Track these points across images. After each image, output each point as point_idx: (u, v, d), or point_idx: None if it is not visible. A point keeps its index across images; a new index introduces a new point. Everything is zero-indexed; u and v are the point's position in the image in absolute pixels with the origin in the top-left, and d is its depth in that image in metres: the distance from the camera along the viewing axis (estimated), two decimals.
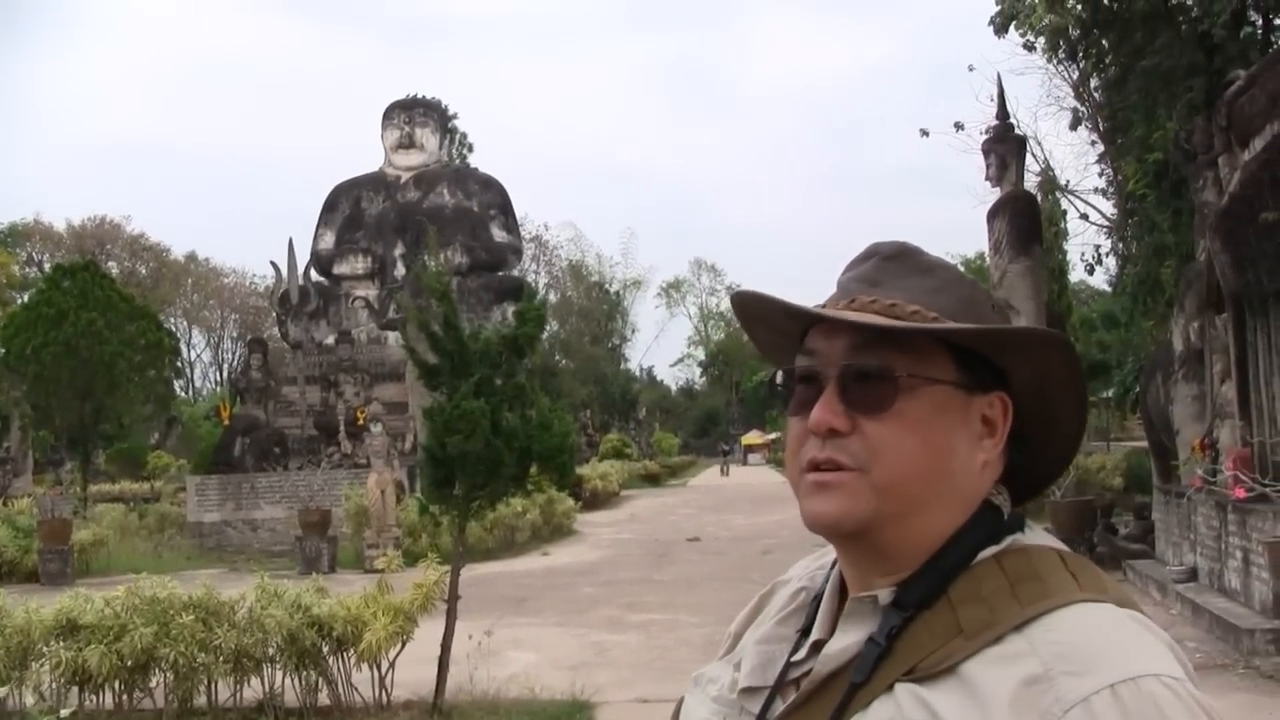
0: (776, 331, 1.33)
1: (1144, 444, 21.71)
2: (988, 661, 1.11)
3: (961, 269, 1.36)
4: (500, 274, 38.45)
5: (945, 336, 1.23)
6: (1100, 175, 29.46)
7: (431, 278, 9.69)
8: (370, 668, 8.69)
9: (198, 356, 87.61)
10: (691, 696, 1.39)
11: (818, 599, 1.33)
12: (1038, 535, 1.25)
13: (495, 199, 39.90)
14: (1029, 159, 24.59)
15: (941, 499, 1.22)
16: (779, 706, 1.27)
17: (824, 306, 1.29)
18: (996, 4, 21.97)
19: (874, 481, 1.21)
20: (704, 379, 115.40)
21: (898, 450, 1.21)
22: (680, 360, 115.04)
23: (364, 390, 31.36)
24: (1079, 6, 19.97)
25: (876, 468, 1.21)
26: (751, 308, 1.34)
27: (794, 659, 1.29)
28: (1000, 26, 22.11)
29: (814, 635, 1.29)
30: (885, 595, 1.21)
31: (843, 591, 1.30)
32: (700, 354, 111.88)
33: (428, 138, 40.21)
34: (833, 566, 1.36)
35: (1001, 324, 1.27)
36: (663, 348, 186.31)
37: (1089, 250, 30.96)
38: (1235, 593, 12.46)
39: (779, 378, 1.31)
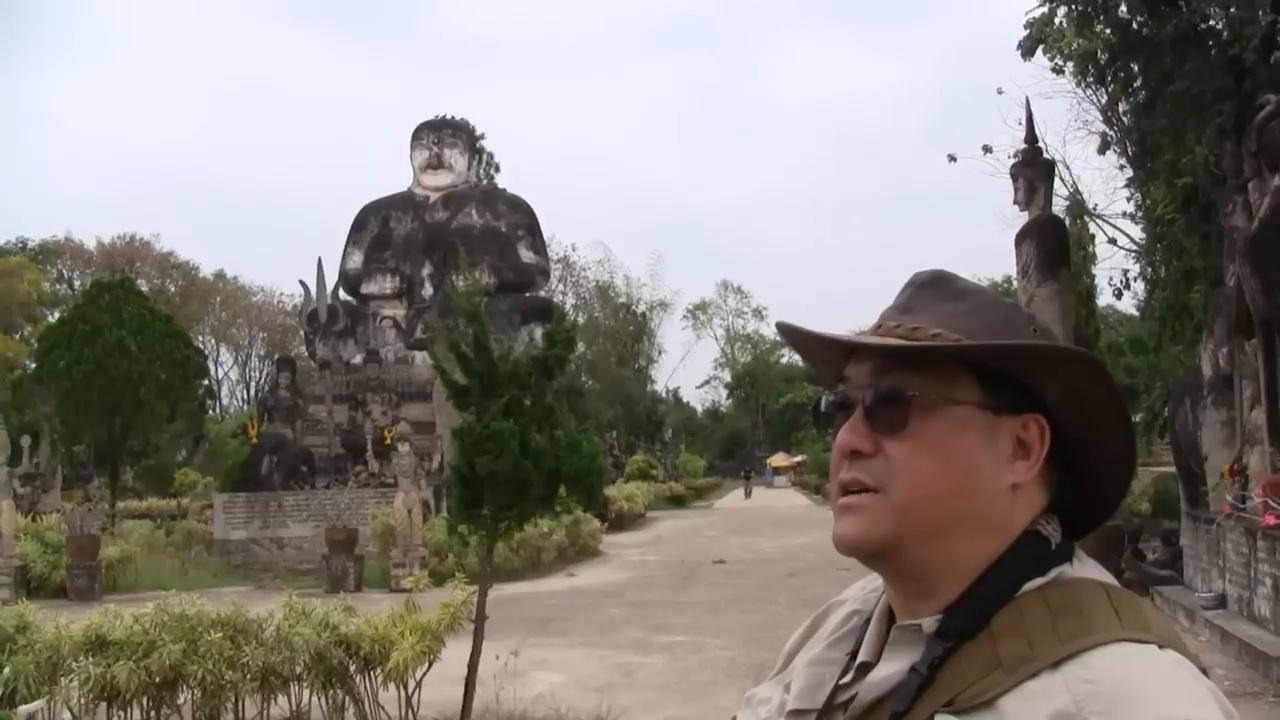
0: (826, 360, 1.35)
1: (1172, 469, 21.61)
2: (1023, 697, 1.10)
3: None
4: (528, 295, 38.56)
5: (955, 354, 1.23)
6: (1129, 200, 29.38)
7: (462, 298, 9.74)
8: (397, 687, 8.69)
9: (225, 374, 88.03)
10: (743, 716, 1.40)
11: (869, 621, 1.34)
12: (1087, 567, 1.24)
13: (523, 220, 40.03)
14: (1057, 183, 24.53)
15: (967, 522, 1.22)
16: None
17: (860, 334, 1.32)
18: (1025, 28, 21.96)
19: (893, 502, 1.22)
20: (730, 401, 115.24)
21: (915, 470, 1.22)
22: (706, 382, 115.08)
23: (391, 410, 31.46)
24: (1108, 31, 19.93)
25: (895, 488, 1.22)
26: (796, 338, 1.36)
27: (841, 682, 1.29)
28: (1028, 50, 22.09)
29: (860, 658, 1.30)
30: (929, 624, 1.21)
31: (891, 617, 1.30)
32: (726, 376, 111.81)
33: (456, 158, 40.37)
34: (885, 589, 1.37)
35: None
36: (689, 369, 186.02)
37: (1117, 274, 30.89)
38: (1265, 620, 12.37)
39: (821, 404, 1.33)
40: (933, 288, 1.31)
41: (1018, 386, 1.24)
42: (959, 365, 1.24)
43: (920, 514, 1.22)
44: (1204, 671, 1.15)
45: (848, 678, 1.29)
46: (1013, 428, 1.24)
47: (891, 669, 1.23)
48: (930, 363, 1.24)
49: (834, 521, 1.27)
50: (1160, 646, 1.12)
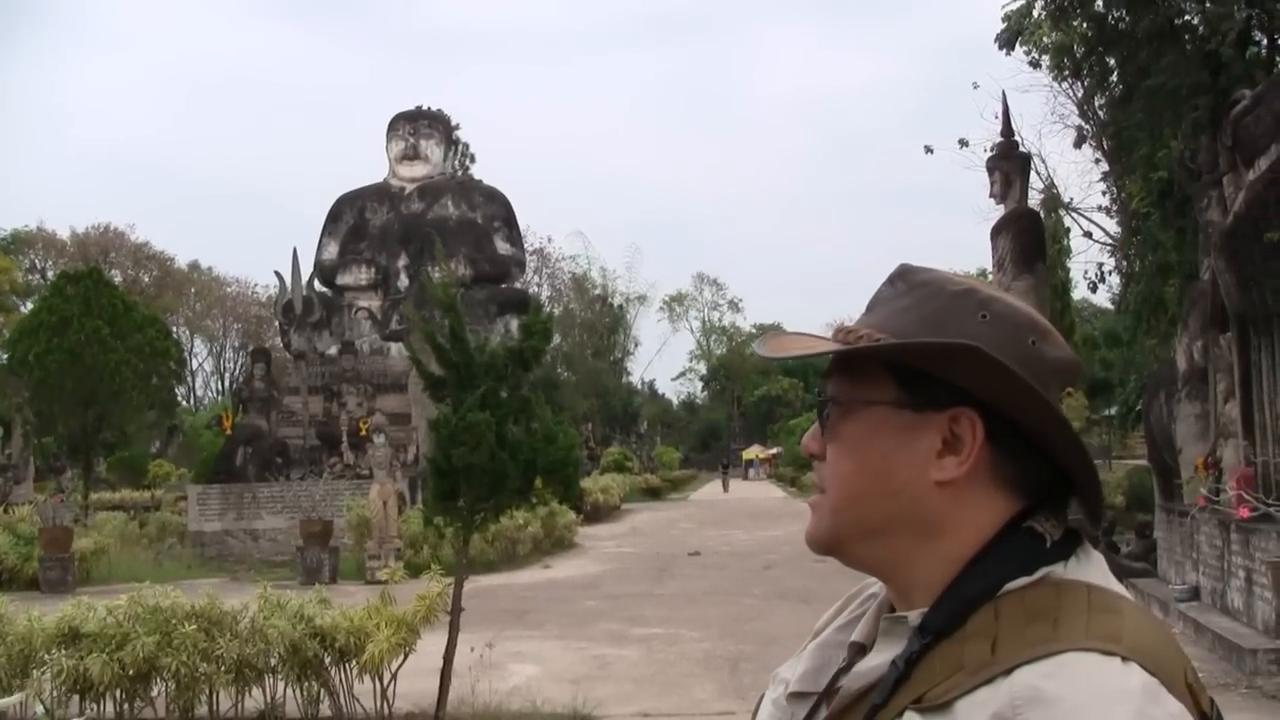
0: None
1: (1146, 462, 21.71)
2: (974, 701, 1.09)
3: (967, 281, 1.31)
4: (504, 286, 38.50)
5: (852, 355, 1.23)
6: (1104, 193, 29.43)
7: (438, 289, 9.69)
8: (372, 679, 8.67)
9: (200, 366, 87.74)
10: (767, 695, 1.39)
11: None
12: (1084, 566, 1.20)
13: (499, 211, 39.96)
14: (1033, 176, 24.62)
15: (895, 521, 1.22)
16: (823, 713, 1.27)
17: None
18: (1003, 20, 22.01)
19: (830, 502, 1.26)
20: (705, 393, 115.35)
21: (839, 471, 1.25)
22: (682, 374, 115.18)
23: (367, 401, 31.39)
24: (1084, 25, 19.97)
25: (830, 489, 1.26)
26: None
27: (842, 666, 1.29)
28: (1006, 42, 22.13)
29: (854, 637, 1.30)
30: (914, 618, 1.20)
31: (892, 606, 1.29)
32: (702, 368, 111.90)
33: (432, 149, 40.28)
34: None
35: (982, 337, 1.20)
36: (665, 361, 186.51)
37: (1092, 268, 31.09)
38: (1238, 612, 12.44)
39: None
40: (894, 283, 1.30)
41: (944, 381, 1.21)
42: (880, 366, 1.23)
43: (848, 514, 1.25)
44: (1190, 688, 1.12)
45: (847, 661, 1.29)
46: (940, 424, 1.22)
47: (879, 659, 1.22)
48: (855, 366, 1.25)
49: None
50: (1124, 659, 1.08)
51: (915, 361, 1.22)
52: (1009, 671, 1.08)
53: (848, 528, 1.25)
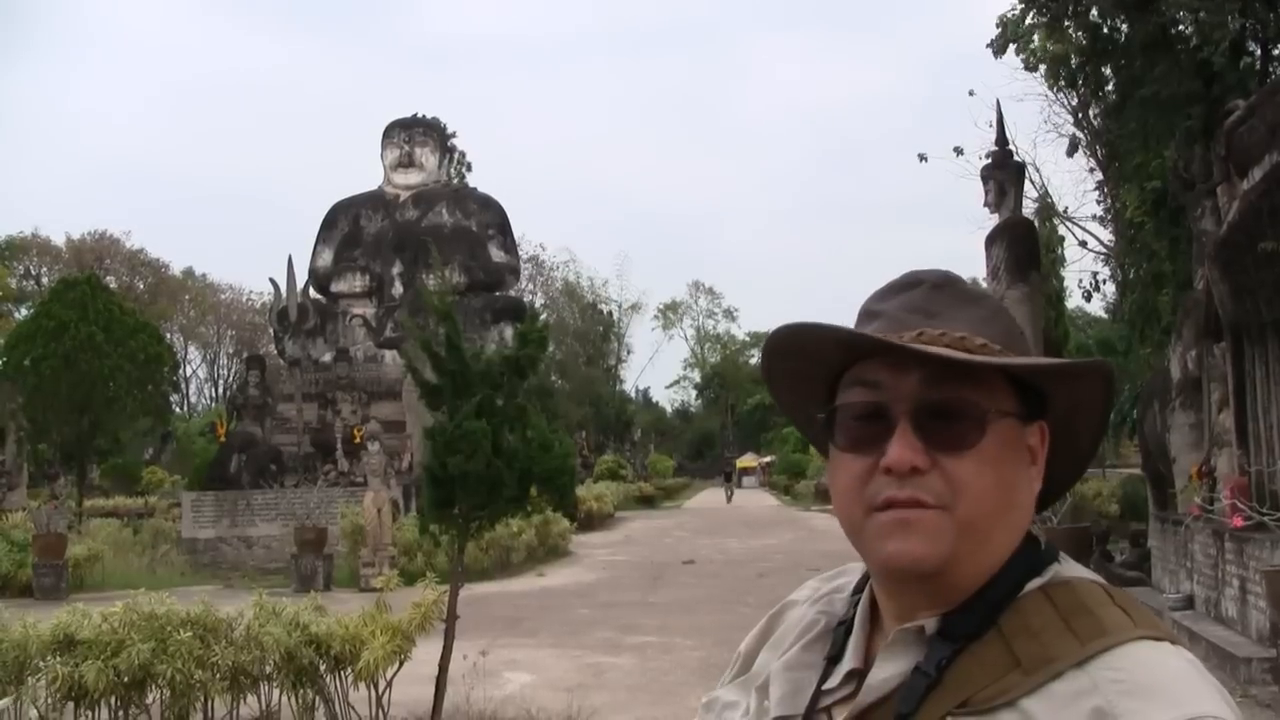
0: (813, 363, 1.29)
1: (1140, 471, 21.73)
2: (1050, 698, 1.10)
3: None
4: (498, 294, 38.47)
5: (1022, 371, 1.23)
6: (1099, 202, 29.58)
7: (434, 297, 9.69)
8: (368, 687, 8.65)
9: (194, 373, 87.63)
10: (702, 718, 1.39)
11: (843, 625, 1.32)
12: (1073, 565, 1.25)
13: (494, 219, 39.91)
14: (1027, 185, 24.65)
15: (1002, 533, 1.21)
16: None
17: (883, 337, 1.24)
18: (998, 26, 22.06)
19: (958, 519, 1.18)
20: (700, 401, 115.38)
21: (979, 487, 1.19)
22: (676, 382, 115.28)
23: (361, 408, 31.33)
24: (1079, 34, 20.01)
25: (961, 505, 1.18)
26: (788, 342, 1.29)
27: (825, 687, 1.28)
28: (999, 49, 22.19)
29: (847, 665, 1.27)
30: (932, 625, 1.20)
31: (873, 620, 1.29)
32: (696, 376, 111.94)
33: (427, 157, 40.22)
34: (854, 593, 1.35)
35: (1024, 348, 1.26)
36: (659, 369, 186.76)
37: (1086, 277, 31.18)
38: (1232, 621, 12.45)
39: (839, 413, 1.27)
40: (947, 290, 1.28)
41: (1038, 394, 1.25)
42: (1003, 377, 1.23)
43: (979, 530, 1.19)
44: None
45: (833, 683, 1.28)
46: (1029, 435, 1.25)
47: (891, 671, 1.21)
48: (981, 375, 1.21)
49: (876, 538, 1.21)
50: (1173, 644, 1.14)
51: (1040, 376, 1.25)
52: (1081, 665, 1.11)
53: (972, 543, 1.19)
